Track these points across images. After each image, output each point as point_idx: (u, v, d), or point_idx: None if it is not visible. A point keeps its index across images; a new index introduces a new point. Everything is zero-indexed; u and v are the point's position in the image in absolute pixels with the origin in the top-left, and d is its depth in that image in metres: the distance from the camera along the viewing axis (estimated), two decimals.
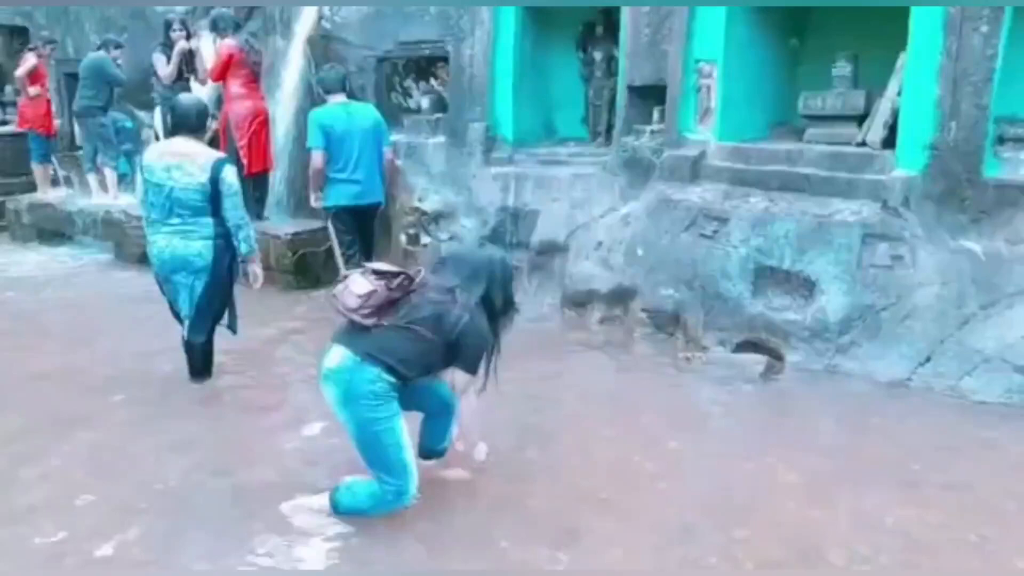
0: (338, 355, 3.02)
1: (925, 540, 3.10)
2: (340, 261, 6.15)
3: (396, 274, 3.08)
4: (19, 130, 9.40)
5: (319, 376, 3.09)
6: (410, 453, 3.10)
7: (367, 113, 6.08)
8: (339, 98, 5.96)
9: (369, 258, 6.08)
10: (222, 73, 6.91)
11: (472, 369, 3.09)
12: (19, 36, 10.42)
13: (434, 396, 3.29)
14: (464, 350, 3.04)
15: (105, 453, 3.77)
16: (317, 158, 5.83)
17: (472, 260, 3.19)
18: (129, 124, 8.43)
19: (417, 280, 3.11)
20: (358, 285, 3.01)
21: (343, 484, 3.20)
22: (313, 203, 6.16)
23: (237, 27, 7.20)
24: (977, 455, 3.77)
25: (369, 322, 2.99)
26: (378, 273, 3.06)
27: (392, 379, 2.98)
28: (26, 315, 6.10)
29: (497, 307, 3.13)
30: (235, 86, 6.91)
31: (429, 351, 3.03)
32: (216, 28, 7.17)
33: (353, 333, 3.04)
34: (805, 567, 2.94)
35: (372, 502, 3.09)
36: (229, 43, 6.92)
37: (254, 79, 7.04)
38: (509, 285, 3.20)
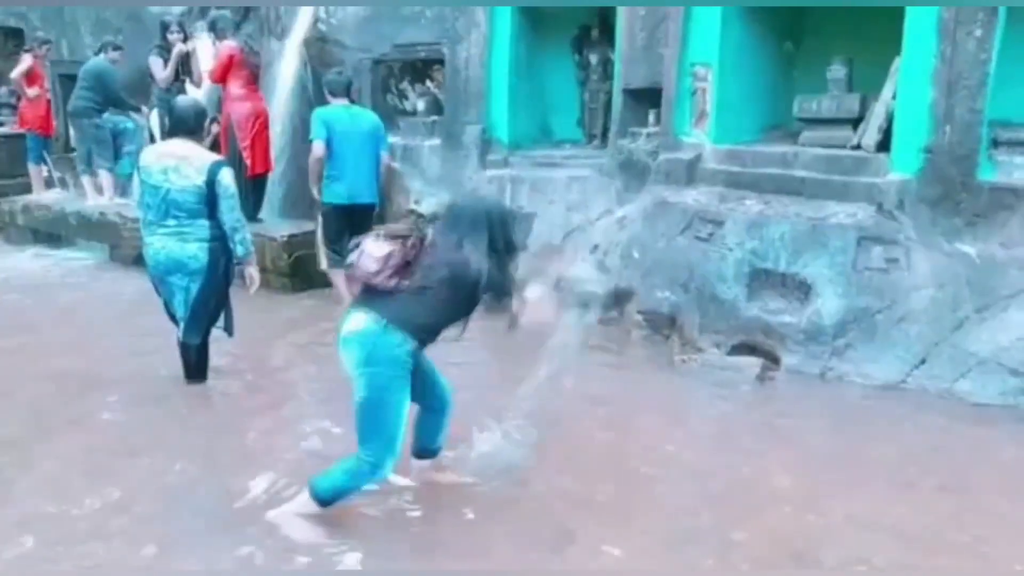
0: (362, 319, 3.02)
1: (920, 541, 3.10)
2: (320, 253, 6.25)
3: (408, 235, 3.07)
4: (15, 131, 9.38)
5: (338, 339, 3.08)
6: (402, 434, 3.11)
7: (367, 117, 6.21)
8: (342, 101, 6.10)
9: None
10: (223, 74, 6.90)
11: (507, 292, 3.12)
12: (13, 38, 10.41)
13: (434, 391, 3.30)
14: (490, 291, 3.08)
15: (99, 455, 3.76)
16: (318, 148, 5.94)
17: (471, 210, 3.17)
18: (130, 125, 8.38)
19: (428, 240, 3.10)
20: (376, 248, 3.00)
21: (318, 473, 3.19)
22: (316, 195, 6.24)
23: (236, 28, 7.20)
24: (972, 457, 3.78)
25: (391, 284, 3.00)
26: (391, 236, 3.06)
27: (413, 346, 3.01)
28: (21, 317, 6.07)
29: (500, 249, 3.13)
30: (235, 87, 6.90)
31: (450, 308, 3.07)
32: (215, 29, 7.17)
33: (375, 298, 3.03)
34: (801, 569, 2.94)
35: (347, 478, 3.09)
36: (230, 44, 6.92)
37: (253, 80, 7.04)
38: (508, 227, 3.19)
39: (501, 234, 3.13)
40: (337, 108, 6.05)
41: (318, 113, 6.03)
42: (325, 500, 3.12)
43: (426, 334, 3.06)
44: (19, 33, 10.22)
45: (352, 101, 6.25)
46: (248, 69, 6.95)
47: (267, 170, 7.13)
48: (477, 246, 3.04)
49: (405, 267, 3.02)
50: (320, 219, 6.25)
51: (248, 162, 6.83)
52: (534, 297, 3.25)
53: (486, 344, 5.45)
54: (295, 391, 4.65)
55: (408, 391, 3.07)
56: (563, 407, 4.36)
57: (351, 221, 6.13)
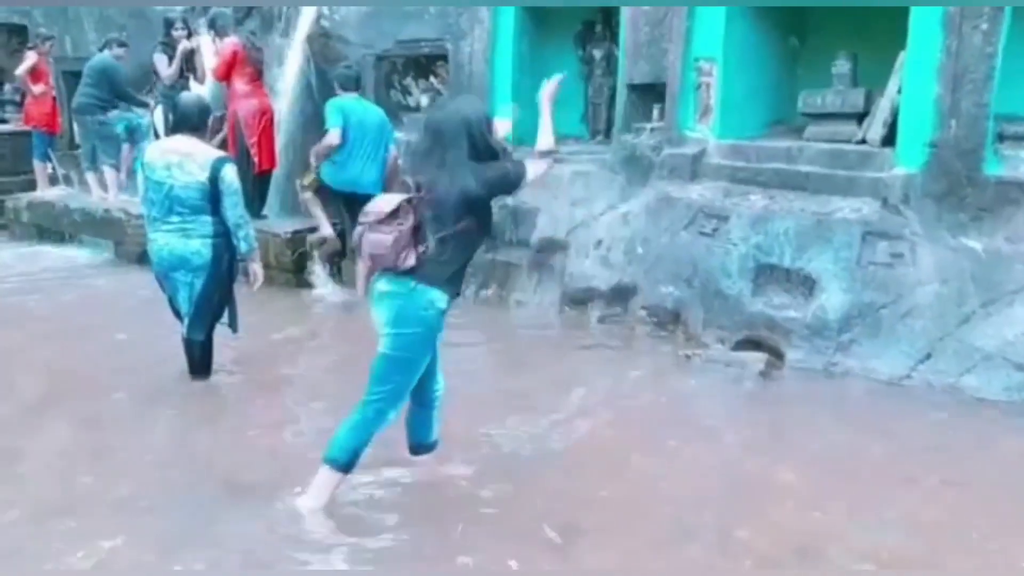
0: (393, 280, 3.04)
1: (925, 537, 3.10)
2: (301, 186, 6.48)
3: (400, 207, 2.98)
4: (20, 128, 9.38)
5: (371, 299, 3.13)
6: (408, 392, 3.17)
7: (377, 112, 6.38)
8: (352, 95, 6.27)
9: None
10: (227, 71, 6.91)
11: (516, 182, 3.16)
12: (18, 35, 10.41)
13: (427, 383, 3.28)
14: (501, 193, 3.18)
15: (105, 451, 3.77)
16: (335, 135, 6.06)
17: (446, 122, 3.09)
18: (144, 122, 8.38)
19: (419, 192, 3.03)
20: (379, 243, 2.95)
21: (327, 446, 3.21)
22: (312, 164, 6.34)
23: (238, 24, 7.20)
24: (976, 452, 3.77)
25: (412, 261, 2.98)
26: (386, 220, 2.98)
27: (445, 305, 3.05)
28: (25, 314, 6.09)
29: (484, 154, 3.07)
30: (240, 84, 6.91)
31: (474, 237, 3.14)
32: (214, 27, 7.17)
33: (418, 263, 3.02)
34: (805, 566, 2.94)
35: (354, 432, 3.12)
36: (233, 40, 6.92)
37: (258, 76, 7.04)
38: (487, 132, 3.11)
39: (482, 141, 3.06)
40: (351, 99, 6.22)
41: (334, 102, 6.19)
42: (343, 462, 3.15)
43: (458, 279, 3.13)
44: (23, 30, 10.22)
45: (361, 95, 6.41)
46: (252, 65, 6.96)
47: (273, 166, 7.14)
48: (460, 163, 2.99)
49: (415, 233, 2.98)
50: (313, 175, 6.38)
51: (255, 159, 6.85)
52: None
53: (488, 342, 5.48)
54: (299, 387, 4.66)
55: (430, 353, 3.13)
56: (565, 403, 4.36)
57: (347, 208, 6.27)
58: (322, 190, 6.33)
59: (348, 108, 6.14)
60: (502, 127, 3.35)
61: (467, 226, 3.05)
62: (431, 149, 3.07)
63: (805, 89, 5.23)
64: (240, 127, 6.88)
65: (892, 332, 4.52)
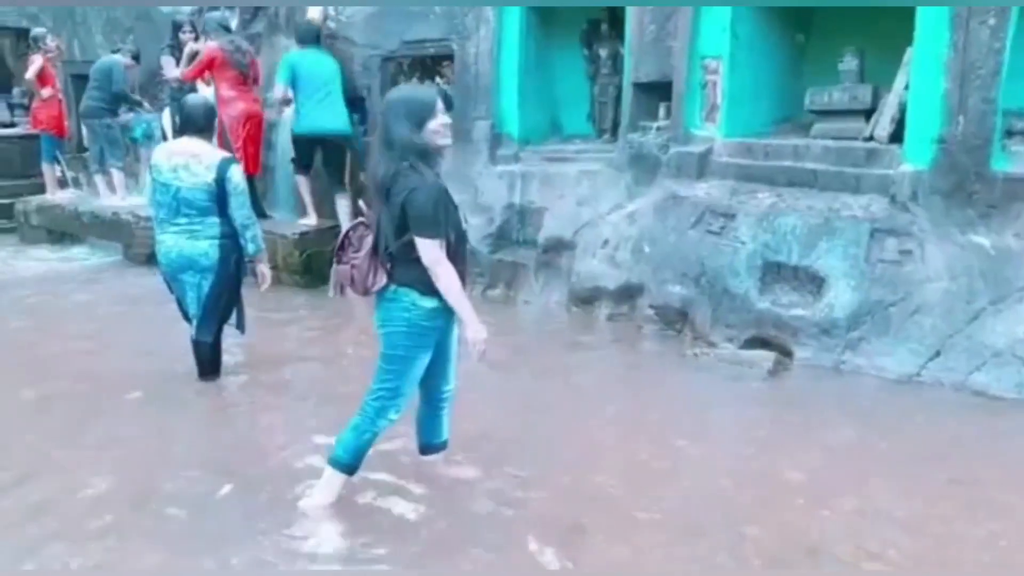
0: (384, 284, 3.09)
1: (934, 536, 3.08)
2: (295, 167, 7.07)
3: (349, 236, 3.09)
4: (29, 131, 9.43)
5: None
6: (409, 393, 3.18)
7: (330, 61, 6.87)
8: (308, 48, 6.80)
9: (342, 182, 7.08)
10: (197, 74, 7.11)
11: (429, 231, 2.90)
12: (25, 39, 10.45)
13: (434, 381, 3.28)
14: (409, 210, 2.88)
15: (113, 451, 3.77)
16: (279, 90, 6.74)
17: (384, 105, 3.06)
18: (157, 124, 8.41)
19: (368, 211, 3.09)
20: (342, 275, 3.09)
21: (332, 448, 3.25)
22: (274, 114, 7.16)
23: (227, 30, 7.23)
24: (986, 450, 3.75)
25: (383, 279, 3.02)
26: (340, 251, 3.10)
27: (431, 304, 3.02)
28: (36, 315, 6.12)
29: (398, 145, 2.91)
30: (224, 89, 6.94)
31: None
32: (204, 31, 7.24)
33: (391, 266, 3.04)
34: (814, 564, 2.92)
35: (357, 433, 3.15)
36: (211, 45, 6.97)
37: (243, 80, 7.03)
38: (405, 121, 2.90)
39: (397, 133, 2.89)
40: (304, 52, 6.75)
41: (286, 57, 6.79)
42: (347, 464, 3.18)
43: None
44: (30, 34, 10.28)
45: (319, 47, 6.88)
46: (236, 69, 6.96)
47: (256, 172, 7.15)
48: (381, 153, 2.93)
49: (375, 254, 3.01)
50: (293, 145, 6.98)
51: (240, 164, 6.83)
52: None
53: (495, 342, 5.48)
54: (307, 387, 4.66)
55: (424, 351, 3.11)
56: (574, 402, 4.36)
57: (323, 148, 6.89)
58: (298, 140, 6.78)
59: (297, 61, 6.63)
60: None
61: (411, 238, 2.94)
62: (378, 137, 3.07)
63: (812, 86, 5.22)
64: (226, 133, 6.86)
65: (901, 330, 4.50)
